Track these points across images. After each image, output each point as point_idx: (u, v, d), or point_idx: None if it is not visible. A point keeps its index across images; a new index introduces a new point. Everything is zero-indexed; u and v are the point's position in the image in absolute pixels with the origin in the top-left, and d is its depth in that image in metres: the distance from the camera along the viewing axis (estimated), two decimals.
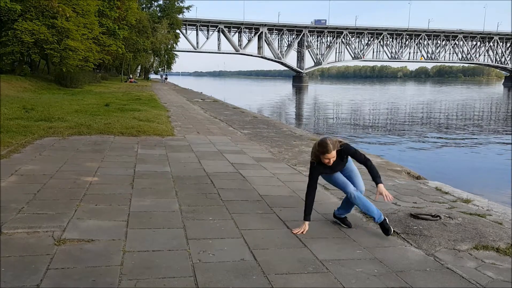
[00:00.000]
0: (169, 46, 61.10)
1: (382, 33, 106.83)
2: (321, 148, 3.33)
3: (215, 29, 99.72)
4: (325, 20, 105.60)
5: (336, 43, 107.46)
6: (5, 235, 3.05)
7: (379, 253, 3.07)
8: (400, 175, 6.09)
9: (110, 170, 5.30)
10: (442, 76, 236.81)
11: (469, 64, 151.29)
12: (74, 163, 5.56)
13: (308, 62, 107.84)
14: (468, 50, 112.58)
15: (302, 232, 3.38)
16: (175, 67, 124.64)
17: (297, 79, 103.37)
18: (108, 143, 7.26)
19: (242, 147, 7.72)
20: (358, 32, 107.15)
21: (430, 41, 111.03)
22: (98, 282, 2.43)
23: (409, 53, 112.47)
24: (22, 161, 5.49)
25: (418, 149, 13.48)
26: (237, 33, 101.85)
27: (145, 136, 8.29)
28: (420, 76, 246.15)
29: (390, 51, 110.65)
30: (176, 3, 62.00)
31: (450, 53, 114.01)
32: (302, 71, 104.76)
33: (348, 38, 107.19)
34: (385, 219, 3.48)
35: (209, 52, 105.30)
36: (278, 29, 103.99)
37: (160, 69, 65.53)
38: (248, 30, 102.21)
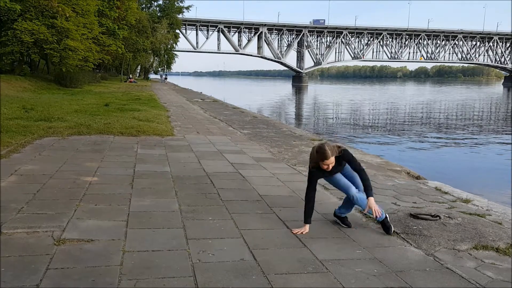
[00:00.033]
0: (169, 46, 61.08)
1: (381, 33, 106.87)
2: (319, 155, 3.31)
3: (214, 29, 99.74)
4: (324, 20, 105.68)
5: (336, 43, 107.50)
6: (5, 235, 3.05)
7: (379, 253, 3.07)
8: (400, 175, 6.09)
9: (109, 170, 5.30)
10: (441, 76, 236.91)
11: (469, 64, 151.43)
12: (73, 163, 5.56)
13: (308, 62, 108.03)
14: (467, 50, 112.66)
15: (302, 233, 3.38)
16: (174, 67, 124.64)
17: (297, 79, 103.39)
18: (108, 143, 7.26)
19: (242, 147, 7.72)
20: (357, 32, 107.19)
21: (429, 41, 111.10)
22: (98, 282, 2.43)
23: (409, 53, 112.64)
24: (22, 161, 5.49)
25: (418, 149, 13.48)
26: (236, 33, 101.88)
27: (145, 136, 8.29)
28: (419, 76, 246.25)
29: (390, 51, 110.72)
30: (175, 3, 61.96)
31: (449, 53, 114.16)
32: (301, 71, 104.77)
33: (347, 38, 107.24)
34: (386, 218, 3.52)
35: (208, 52, 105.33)
36: (278, 29, 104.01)
37: (159, 69, 65.53)
38: (247, 30, 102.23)
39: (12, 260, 2.65)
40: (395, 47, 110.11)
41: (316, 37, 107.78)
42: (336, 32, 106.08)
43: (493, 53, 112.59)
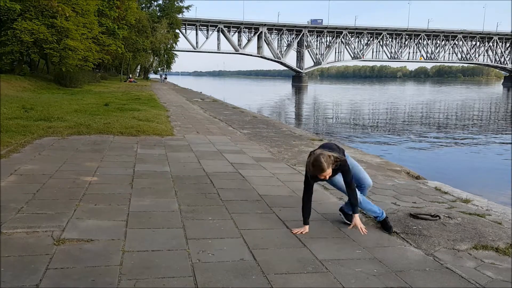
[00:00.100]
0: (169, 46, 61.07)
1: (381, 33, 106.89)
2: (315, 169, 3.21)
3: (214, 29, 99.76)
4: (322, 20, 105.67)
5: (336, 43, 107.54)
6: (5, 235, 3.05)
7: (379, 253, 3.07)
8: (400, 175, 6.09)
9: (109, 170, 5.30)
10: (441, 76, 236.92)
11: (469, 64, 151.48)
12: (73, 163, 5.56)
13: (308, 62, 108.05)
14: (467, 50, 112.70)
15: (302, 232, 3.38)
16: (174, 67, 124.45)
17: (297, 79, 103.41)
18: (108, 143, 7.26)
19: (242, 147, 7.72)
20: (357, 32, 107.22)
21: (429, 41, 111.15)
22: (98, 282, 2.43)
23: (409, 53, 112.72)
24: (22, 161, 5.49)
25: (418, 149, 13.48)
26: (236, 33, 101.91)
27: (145, 135, 8.28)
28: (419, 76, 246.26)
29: (390, 51, 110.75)
30: (175, 2, 61.96)
31: (449, 53, 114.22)
32: (301, 71, 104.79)
33: (347, 38, 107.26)
34: (387, 217, 3.55)
35: (208, 52, 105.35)
36: (278, 29, 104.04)
37: (159, 68, 65.49)
38: (247, 30, 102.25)
39: (11, 260, 2.65)
40: (395, 47, 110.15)
41: (316, 37, 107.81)
42: (336, 32, 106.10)
43: (493, 53, 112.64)
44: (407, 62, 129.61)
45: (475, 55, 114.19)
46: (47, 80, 26.65)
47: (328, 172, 3.23)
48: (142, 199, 4.10)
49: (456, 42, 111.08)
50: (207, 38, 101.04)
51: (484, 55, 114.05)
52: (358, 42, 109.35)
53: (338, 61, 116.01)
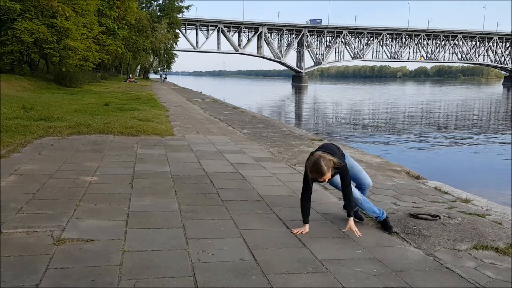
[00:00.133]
0: (169, 46, 61.07)
1: (381, 33, 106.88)
2: (315, 173, 3.20)
3: (214, 29, 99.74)
4: (320, 19, 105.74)
5: (336, 43, 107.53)
6: (5, 234, 3.05)
7: (379, 253, 3.07)
8: (400, 175, 6.09)
9: (109, 169, 5.30)
10: (441, 76, 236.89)
11: (469, 64, 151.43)
12: (73, 163, 5.56)
13: (308, 62, 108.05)
14: (467, 50, 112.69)
15: (302, 232, 3.38)
16: (174, 67, 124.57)
17: (297, 79, 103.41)
18: (108, 143, 7.26)
19: (242, 146, 7.72)
20: (357, 32, 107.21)
21: (429, 41, 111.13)
22: (98, 282, 2.43)
23: (409, 53, 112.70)
24: (22, 161, 5.49)
25: (418, 149, 13.48)
26: (236, 33, 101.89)
27: (145, 135, 8.28)
28: (419, 76, 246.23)
29: (390, 51, 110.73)
30: (175, 2, 61.96)
31: (449, 53, 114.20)
32: (301, 71, 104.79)
33: (347, 38, 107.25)
34: (387, 217, 3.56)
35: (208, 52, 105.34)
36: (278, 29, 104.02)
37: (159, 68, 65.49)
38: (247, 29, 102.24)
39: (11, 259, 2.65)
40: (395, 47, 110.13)
41: (316, 37, 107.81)
42: (336, 32, 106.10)
43: (493, 53, 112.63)
44: (407, 62, 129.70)
45: (475, 55, 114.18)
46: (47, 80, 26.64)
47: (328, 176, 3.22)
48: (142, 199, 4.10)
49: (456, 42, 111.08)
50: (207, 38, 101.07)
51: (484, 55, 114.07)
52: (358, 42, 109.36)
53: (338, 61, 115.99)
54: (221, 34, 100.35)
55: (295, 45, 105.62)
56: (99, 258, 2.74)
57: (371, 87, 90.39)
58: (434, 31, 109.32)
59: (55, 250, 2.83)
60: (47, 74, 30.05)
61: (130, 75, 53.45)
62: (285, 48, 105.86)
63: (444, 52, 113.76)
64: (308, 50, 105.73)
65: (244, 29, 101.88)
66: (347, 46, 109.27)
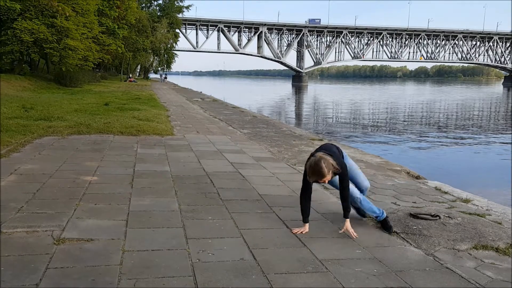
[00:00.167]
0: (169, 46, 61.08)
1: (381, 32, 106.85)
2: (315, 176, 3.19)
3: (214, 29, 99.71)
4: (319, 19, 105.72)
5: (336, 42, 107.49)
6: (5, 234, 3.05)
7: (379, 253, 3.07)
8: (400, 175, 6.09)
9: (109, 169, 5.29)
10: (441, 76, 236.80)
11: (469, 64, 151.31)
12: (73, 163, 5.55)
13: (308, 61, 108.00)
14: (467, 50, 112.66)
15: (302, 232, 3.38)
16: (174, 67, 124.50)
17: (297, 78, 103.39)
18: (108, 143, 7.26)
19: (242, 146, 7.72)
20: (357, 32, 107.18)
21: (429, 40, 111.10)
22: (98, 282, 2.43)
23: (409, 52, 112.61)
24: (22, 160, 5.49)
25: (418, 149, 13.48)
26: (236, 33, 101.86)
27: (145, 135, 8.28)
28: (419, 76, 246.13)
29: (390, 50, 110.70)
30: (175, 2, 61.96)
31: (449, 53, 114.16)
32: (301, 70, 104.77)
33: (347, 37, 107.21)
34: (387, 217, 3.56)
35: (208, 52, 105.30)
36: (278, 28, 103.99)
37: (159, 68, 65.50)
38: (247, 29, 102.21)
39: (11, 259, 2.65)
40: (395, 47, 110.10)
41: (316, 36, 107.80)
42: (336, 31, 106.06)
43: (493, 53, 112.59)
44: (407, 62, 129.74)
45: (475, 55, 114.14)
46: (47, 80, 26.64)
47: (328, 178, 3.21)
48: (142, 198, 4.10)
49: (456, 42, 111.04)
50: (207, 38, 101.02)
51: (484, 55, 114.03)
52: (358, 42, 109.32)
53: (338, 60, 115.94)
54: (221, 34, 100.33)
55: (295, 45, 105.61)
56: (99, 257, 2.74)
57: (371, 87, 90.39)
58: (434, 31, 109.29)
59: (55, 249, 2.82)
60: (47, 74, 30.06)
61: (130, 75, 53.46)
62: (285, 48, 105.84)
63: (444, 52, 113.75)
64: (308, 50, 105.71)
65: (244, 29, 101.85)
66: (347, 46, 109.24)
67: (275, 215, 3.83)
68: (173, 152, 6.67)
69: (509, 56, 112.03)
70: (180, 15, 64.82)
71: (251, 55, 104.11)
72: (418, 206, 4.21)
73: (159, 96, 23.39)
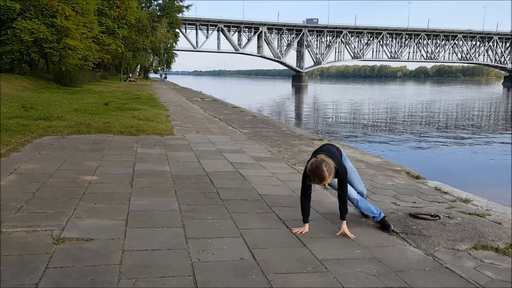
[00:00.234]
0: (169, 45, 61.07)
1: (381, 32, 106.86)
2: (316, 179, 3.18)
3: (214, 29, 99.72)
4: (317, 19, 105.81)
5: (336, 42, 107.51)
6: (4, 234, 3.05)
7: (378, 253, 3.07)
8: (400, 175, 6.09)
9: (109, 169, 5.29)
10: (441, 76, 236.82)
11: (469, 64, 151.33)
12: (73, 162, 5.55)
13: (308, 61, 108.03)
14: (467, 50, 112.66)
15: (302, 232, 3.38)
16: (174, 66, 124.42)
17: (297, 78, 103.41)
18: (108, 142, 7.25)
19: (242, 146, 7.72)
20: (357, 32, 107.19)
21: (429, 40, 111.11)
22: (97, 281, 2.43)
23: (409, 52, 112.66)
24: (21, 160, 5.49)
25: (418, 149, 13.49)
26: (236, 33, 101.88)
27: (145, 135, 8.28)
28: (419, 75, 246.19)
29: (390, 50, 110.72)
30: (175, 2, 61.96)
31: (449, 53, 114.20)
32: (301, 70, 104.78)
33: (347, 37, 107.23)
34: (385, 216, 3.57)
35: (208, 52, 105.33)
36: (278, 28, 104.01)
37: (159, 68, 65.49)
38: (247, 29, 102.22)
39: (11, 259, 2.65)
40: (395, 47, 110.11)
41: (316, 36, 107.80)
42: (336, 31, 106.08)
43: (493, 53, 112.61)
44: (407, 61, 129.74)
45: (475, 55, 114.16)
46: (47, 80, 26.64)
47: (328, 181, 3.21)
48: (142, 198, 4.10)
49: (456, 42, 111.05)
50: (207, 38, 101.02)
51: (484, 55, 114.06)
52: (358, 41, 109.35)
53: (338, 60, 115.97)
54: (221, 34, 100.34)
55: (295, 44, 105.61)
56: (98, 257, 2.74)
57: (371, 87, 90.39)
58: (434, 31, 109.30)
59: (54, 249, 2.82)
60: (47, 74, 30.05)
61: (130, 75, 53.44)
62: (285, 47, 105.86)
63: (444, 52, 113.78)
64: (308, 50, 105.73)
65: (244, 29, 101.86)
66: (347, 46, 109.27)
67: (275, 215, 3.83)
68: (173, 152, 6.67)
69: (509, 56, 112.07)
70: (180, 15, 64.82)
71: (251, 55, 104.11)
72: (418, 206, 4.21)
73: (159, 95, 23.38)
